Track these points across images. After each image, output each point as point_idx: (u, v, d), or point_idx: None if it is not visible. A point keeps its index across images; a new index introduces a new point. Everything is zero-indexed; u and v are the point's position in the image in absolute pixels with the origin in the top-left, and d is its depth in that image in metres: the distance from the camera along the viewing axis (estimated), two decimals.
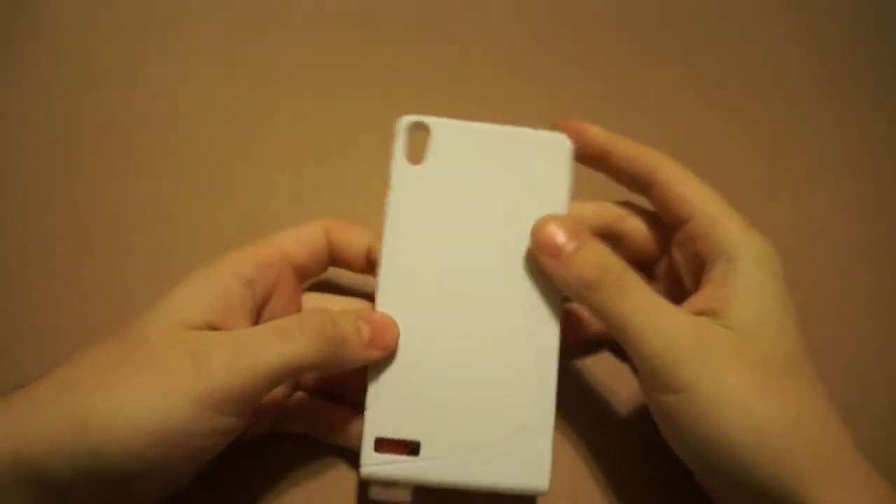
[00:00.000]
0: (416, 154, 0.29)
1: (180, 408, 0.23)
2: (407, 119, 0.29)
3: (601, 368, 0.35)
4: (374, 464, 0.27)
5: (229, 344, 0.25)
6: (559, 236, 0.27)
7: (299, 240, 0.30)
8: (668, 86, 0.44)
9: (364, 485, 0.30)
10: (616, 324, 0.27)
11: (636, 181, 0.31)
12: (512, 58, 0.44)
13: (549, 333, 0.28)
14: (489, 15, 0.46)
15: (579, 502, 0.31)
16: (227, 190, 0.39)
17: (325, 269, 0.32)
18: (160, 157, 0.40)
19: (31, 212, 0.38)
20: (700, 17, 0.47)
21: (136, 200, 0.38)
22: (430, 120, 0.29)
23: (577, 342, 0.34)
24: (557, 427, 0.28)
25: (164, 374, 0.24)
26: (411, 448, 0.27)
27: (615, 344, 0.29)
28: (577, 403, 0.34)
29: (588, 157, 0.31)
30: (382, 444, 0.27)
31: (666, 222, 0.31)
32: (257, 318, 0.29)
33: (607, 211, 0.33)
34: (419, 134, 0.29)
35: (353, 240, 0.31)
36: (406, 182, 0.29)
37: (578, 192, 0.30)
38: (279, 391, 0.30)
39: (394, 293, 0.28)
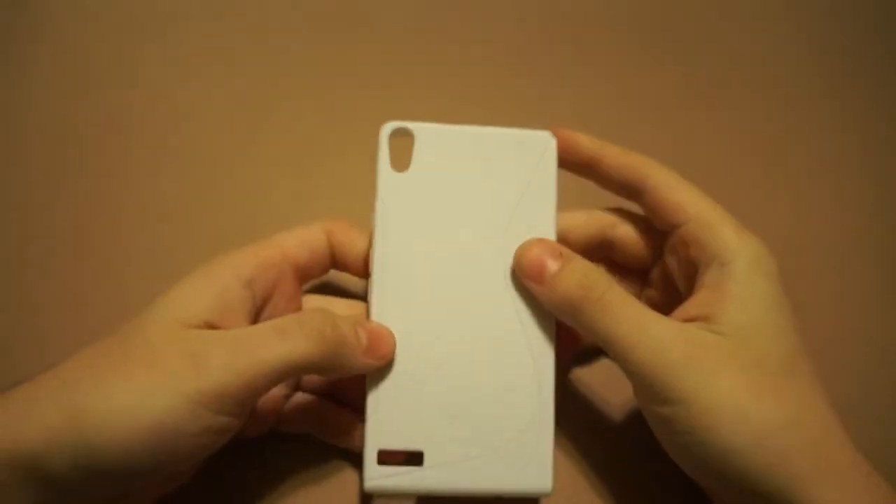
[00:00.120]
0: (403, 160, 0.29)
1: (179, 406, 0.23)
2: (390, 126, 0.29)
3: (599, 374, 0.35)
4: (378, 477, 0.27)
5: (228, 342, 0.25)
6: (541, 259, 0.27)
7: (300, 240, 0.30)
8: (668, 86, 0.44)
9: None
10: (605, 340, 0.26)
11: (627, 188, 0.31)
12: (512, 58, 0.44)
13: (544, 333, 0.28)
14: (489, 15, 0.46)
15: None
16: (227, 190, 0.39)
17: (326, 270, 0.32)
18: (160, 157, 0.40)
19: (31, 212, 0.38)
20: (700, 17, 0.47)
21: (136, 200, 0.38)
22: (413, 125, 0.29)
23: (575, 350, 0.34)
24: (556, 433, 0.28)
25: (163, 373, 0.24)
26: (414, 457, 0.27)
27: None
28: (575, 409, 0.34)
29: (578, 166, 0.31)
30: (385, 456, 0.27)
31: (659, 228, 0.31)
32: (257, 318, 0.29)
33: (599, 218, 0.32)
34: (404, 140, 0.29)
35: (354, 242, 0.31)
36: (392, 190, 0.28)
37: (568, 200, 0.30)
38: (279, 391, 0.31)
39: (387, 303, 0.28)
